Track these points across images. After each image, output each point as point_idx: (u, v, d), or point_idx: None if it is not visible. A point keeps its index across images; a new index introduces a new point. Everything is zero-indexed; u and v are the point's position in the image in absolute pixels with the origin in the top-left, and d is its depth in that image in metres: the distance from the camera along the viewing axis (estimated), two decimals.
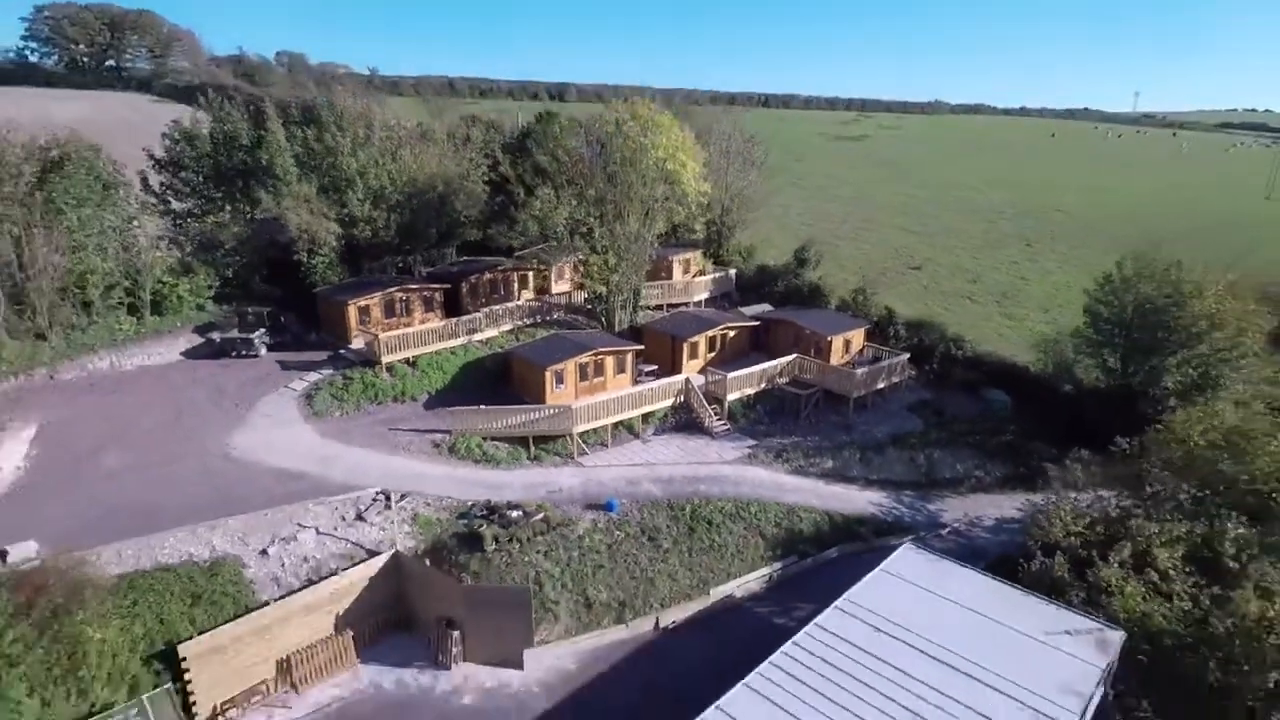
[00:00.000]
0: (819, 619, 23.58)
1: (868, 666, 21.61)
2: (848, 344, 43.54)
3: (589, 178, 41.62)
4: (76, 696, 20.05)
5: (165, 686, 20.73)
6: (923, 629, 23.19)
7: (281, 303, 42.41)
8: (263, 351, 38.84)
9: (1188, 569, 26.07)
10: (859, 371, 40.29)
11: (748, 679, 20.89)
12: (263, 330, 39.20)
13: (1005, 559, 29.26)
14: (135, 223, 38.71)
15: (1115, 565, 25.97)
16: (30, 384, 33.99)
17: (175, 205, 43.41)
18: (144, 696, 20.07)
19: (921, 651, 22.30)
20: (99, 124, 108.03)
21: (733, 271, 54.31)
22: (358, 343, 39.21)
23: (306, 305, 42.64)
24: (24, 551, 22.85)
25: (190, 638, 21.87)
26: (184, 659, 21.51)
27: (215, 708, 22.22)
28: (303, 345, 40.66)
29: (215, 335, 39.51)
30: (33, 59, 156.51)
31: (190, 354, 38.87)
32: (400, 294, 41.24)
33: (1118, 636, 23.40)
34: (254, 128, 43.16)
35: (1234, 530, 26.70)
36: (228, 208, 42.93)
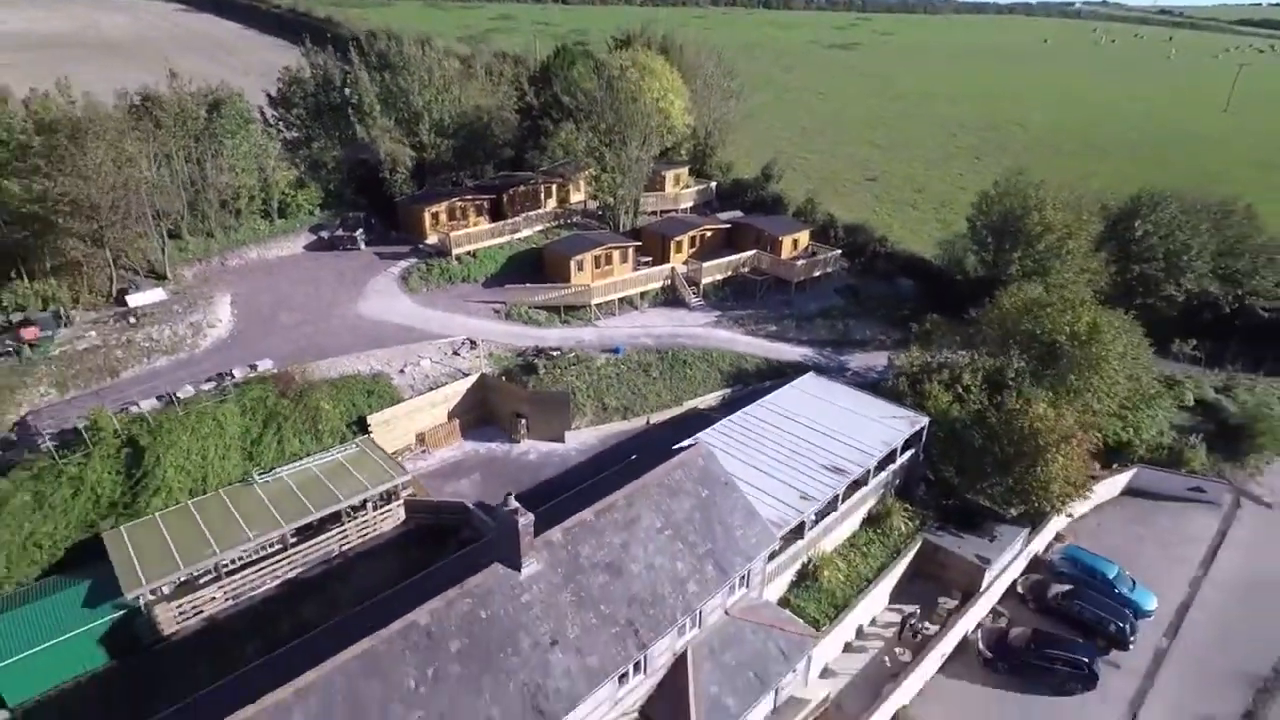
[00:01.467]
0: (745, 409, 38.97)
1: (770, 431, 37.00)
2: (795, 242, 57.49)
3: (601, 113, 54.40)
4: (315, 441, 35.39)
5: (365, 436, 36.10)
6: (808, 415, 38.51)
7: (367, 210, 56.20)
8: (362, 246, 52.93)
9: (983, 386, 41.24)
10: (799, 263, 54.61)
11: (696, 435, 36.25)
12: (361, 230, 53.19)
13: (877, 384, 44.51)
14: (264, 149, 51.84)
15: (935, 383, 41.15)
16: (210, 268, 48.31)
17: (286, 135, 56.43)
18: (357, 439, 35.47)
19: (805, 425, 37.65)
20: (145, 36, 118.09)
21: (713, 184, 67.67)
22: (431, 239, 53.25)
23: (386, 211, 56.42)
24: (265, 365, 37.79)
25: (371, 413, 37.19)
26: (370, 425, 36.92)
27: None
28: (387, 242, 54.67)
29: (324, 234, 53.58)
30: None
31: (309, 248, 52.97)
32: (460, 202, 55.02)
33: (924, 420, 38.76)
34: (342, 71, 55.68)
35: (1015, 364, 41.75)
36: (322, 136, 55.80)
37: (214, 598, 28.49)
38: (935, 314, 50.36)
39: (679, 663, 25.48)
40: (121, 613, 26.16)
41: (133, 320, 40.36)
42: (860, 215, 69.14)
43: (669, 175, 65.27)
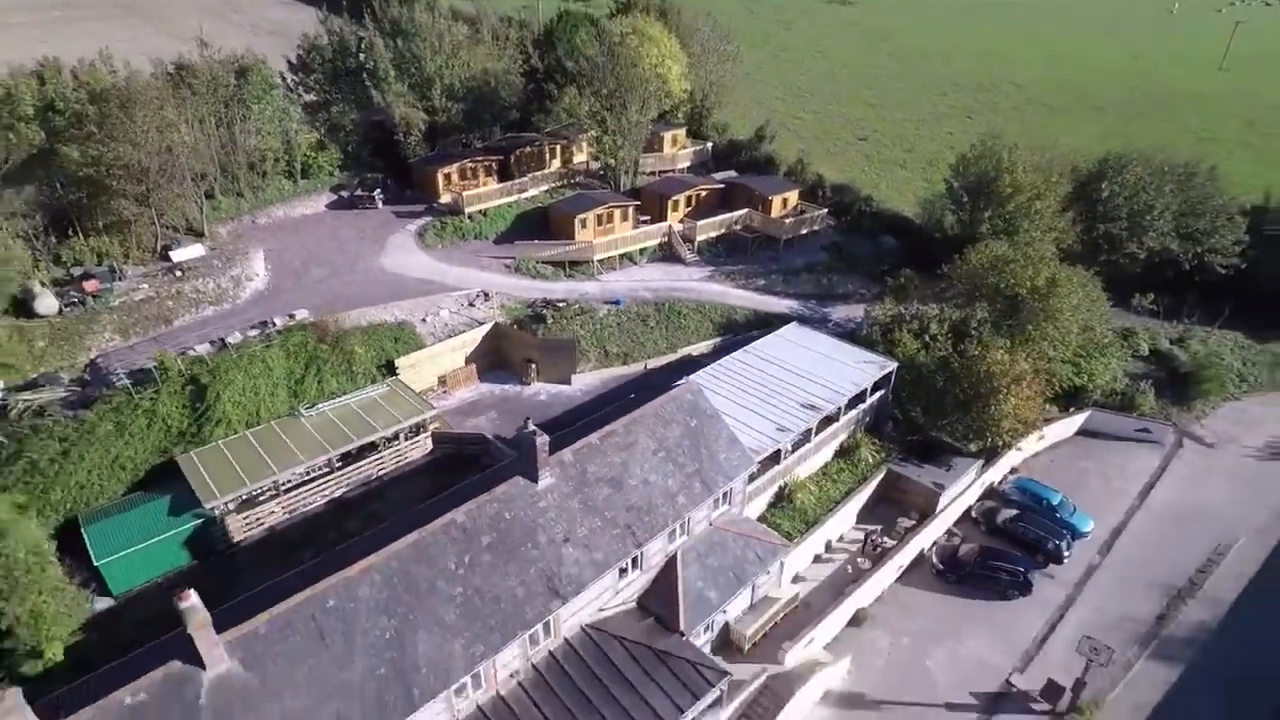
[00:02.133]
0: (732, 354, 43.41)
1: (754, 373, 41.52)
2: (785, 201, 61.21)
3: (602, 79, 57.58)
4: (350, 381, 39.85)
5: (394, 377, 40.58)
6: (789, 360, 42.95)
7: (384, 170, 59.84)
8: (380, 205, 56.72)
9: (948, 335, 45.60)
10: (788, 221, 58.48)
11: (687, 377, 40.72)
12: (379, 190, 56.93)
13: (854, 333, 48.82)
14: (287, 112, 55.29)
15: (905, 332, 45.49)
16: (242, 226, 52.21)
17: (305, 98, 59.70)
18: (388, 380, 39.98)
19: (785, 369, 42.13)
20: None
21: (709, 144, 71.02)
22: (445, 198, 57.00)
23: (401, 172, 60.06)
24: (302, 314, 42.06)
25: (399, 357, 41.61)
26: (398, 367, 41.39)
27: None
28: (402, 201, 58.36)
29: (344, 193, 57.33)
30: None
31: (331, 206, 56.75)
32: (470, 163, 58.67)
33: (893, 364, 43.21)
34: (357, 37, 58.79)
35: (979, 314, 46.00)
36: (340, 100, 59.12)
37: (273, 512, 33.34)
38: (914, 269, 54.40)
39: (670, 563, 30.32)
40: (200, 521, 31.00)
41: (179, 274, 44.54)
42: (850, 175, 72.51)
43: (667, 136, 68.53)
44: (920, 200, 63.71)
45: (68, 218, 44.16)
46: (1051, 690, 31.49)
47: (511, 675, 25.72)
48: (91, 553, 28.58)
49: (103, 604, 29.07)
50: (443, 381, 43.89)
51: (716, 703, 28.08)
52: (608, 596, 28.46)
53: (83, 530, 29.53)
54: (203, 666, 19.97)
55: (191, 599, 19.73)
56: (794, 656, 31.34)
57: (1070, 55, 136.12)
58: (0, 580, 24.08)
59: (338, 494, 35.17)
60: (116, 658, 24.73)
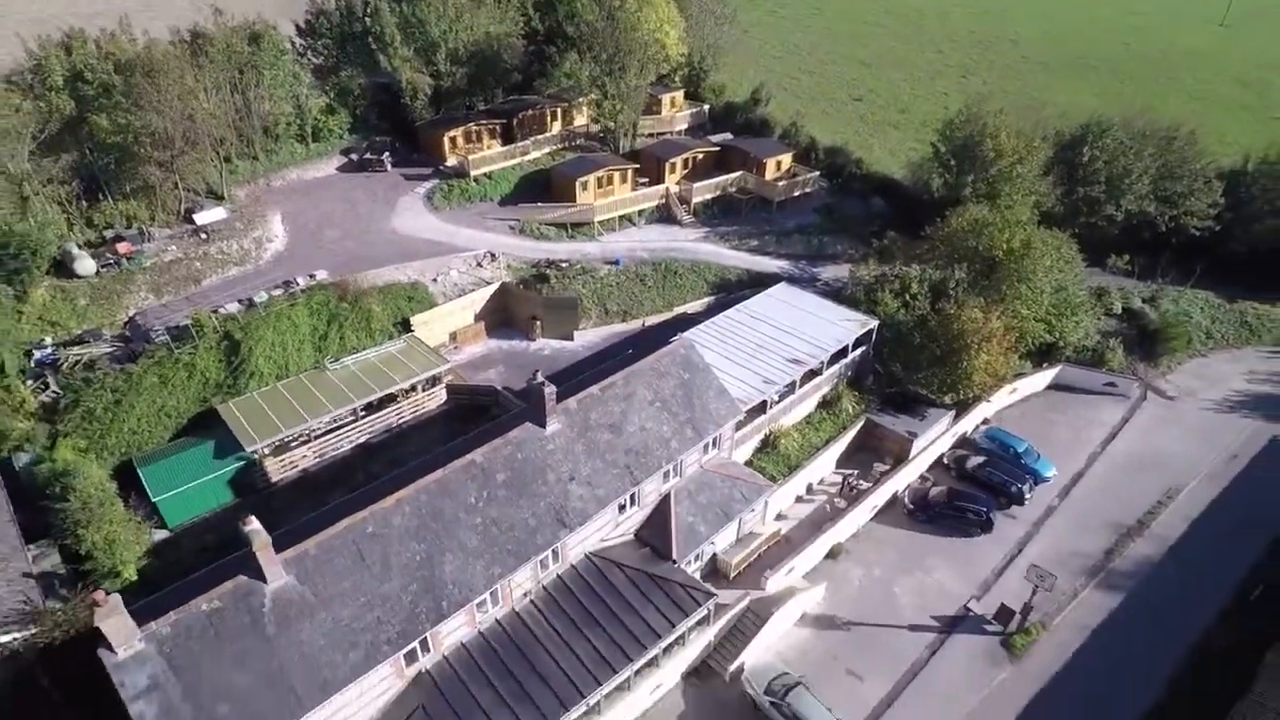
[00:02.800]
0: (724, 312, 46.40)
1: (743, 330, 44.52)
2: (779, 164, 63.45)
3: (602, 44, 59.33)
4: (369, 337, 42.92)
5: (409, 334, 43.64)
6: (776, 317, 45.91)
7: (391, 133, 61.95)
8: (389, 168, 59.02)
9: (928, 295, 48.52)
10: (781, 184, 60.89)
11: (683, 334, 43.78)
12: (387, 153, 59.19)
13: (840, 292, 51.75)
14: (298, 77, 57.23)
15: (887, 292, 48.42)
16: (258, 189, 54.67)
17: (314, 63, 61.49)
18: (405, 336, 43.06)
19: (773, 326, 45.09)
20: None
21: (706, 107, 72.85)
22: (451, 161, 59.29)
23: (407, 135, 62.18)
24: (322, 274, 44.92)
25: (413, 315, 44.63)
26: (412, 324, 44.44)
27: None
28: (409, 164, 60.62)
29: (354, 156, 59.59)
30: None
31: (341, 169, 59.06)
32: (475, 127, 60.76)
33: (875, 322, 46.22)
34: (363, 3, 60.38)
35: (956, 275, 48.86)
36: (348, 65, 60.96)
37: (305, 456, 36.76)
38: (903, 231, 56.73)
39: (664, 500, 33.81)
40: (241, 463, 34.45)
41: (203, 236, 47.26)
42: (844, 136, 74.36)
43: (665, 99, 70.31)
44: (910, 163, 65.93)
45: (97, 183, 46.67)
46: (1003, 613, 35.33)
47: (525, 595, 29.41)
48: (149, 490, 32.04)
49: (160, 535, 32.63)
50: (454, 338, 46.99)
51: (704, 620, 31.90)
52: (609, 529, 32.02)
53: (139, 471, 32.95)
54: (264, 580, 23.48)
55: (254, 523, 23.17)
56: (775, 583, 35.08)
57: (1067, 11, 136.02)
58: (79, 511, 27.54)
59: (362, 440, 38.55)
60: (178, 580, 28.23)
